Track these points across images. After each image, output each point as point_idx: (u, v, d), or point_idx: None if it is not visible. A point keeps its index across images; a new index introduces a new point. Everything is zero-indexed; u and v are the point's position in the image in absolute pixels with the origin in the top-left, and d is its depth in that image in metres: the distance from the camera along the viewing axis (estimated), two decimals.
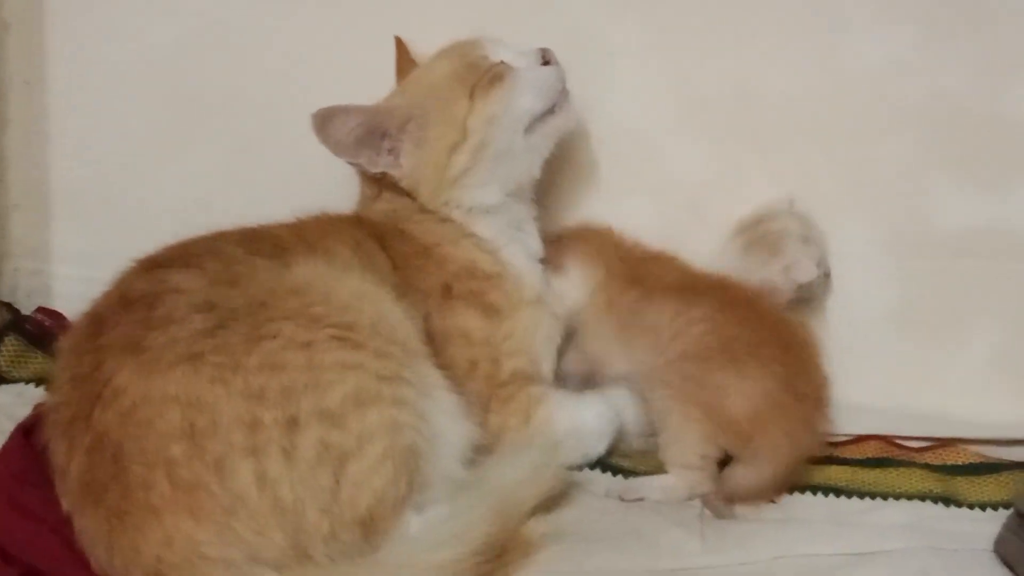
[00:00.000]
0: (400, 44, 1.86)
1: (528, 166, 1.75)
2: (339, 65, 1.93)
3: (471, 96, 1.70)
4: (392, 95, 1.79)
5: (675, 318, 1.69)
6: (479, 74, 1.71)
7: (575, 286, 1.79)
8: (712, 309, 1.69)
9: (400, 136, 1.71)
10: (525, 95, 1.71)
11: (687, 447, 1.65)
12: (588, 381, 1.78)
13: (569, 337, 1.81)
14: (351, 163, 1.73)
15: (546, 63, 1.74)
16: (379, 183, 1.75)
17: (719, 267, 1.80)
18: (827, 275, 1.84)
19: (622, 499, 1.66)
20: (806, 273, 1.78)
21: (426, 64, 1.80)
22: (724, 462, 1.66)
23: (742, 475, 1.63)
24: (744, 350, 1.65)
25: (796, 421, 1.63)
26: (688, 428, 1.64)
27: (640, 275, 1.77)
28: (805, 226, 1.82)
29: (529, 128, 1.72)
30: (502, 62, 1.72)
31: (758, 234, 1.82)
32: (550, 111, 1.73)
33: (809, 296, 1.83)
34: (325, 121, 1.67)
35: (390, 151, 1.72)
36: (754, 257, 1.80)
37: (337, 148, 1.69)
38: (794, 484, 1.68)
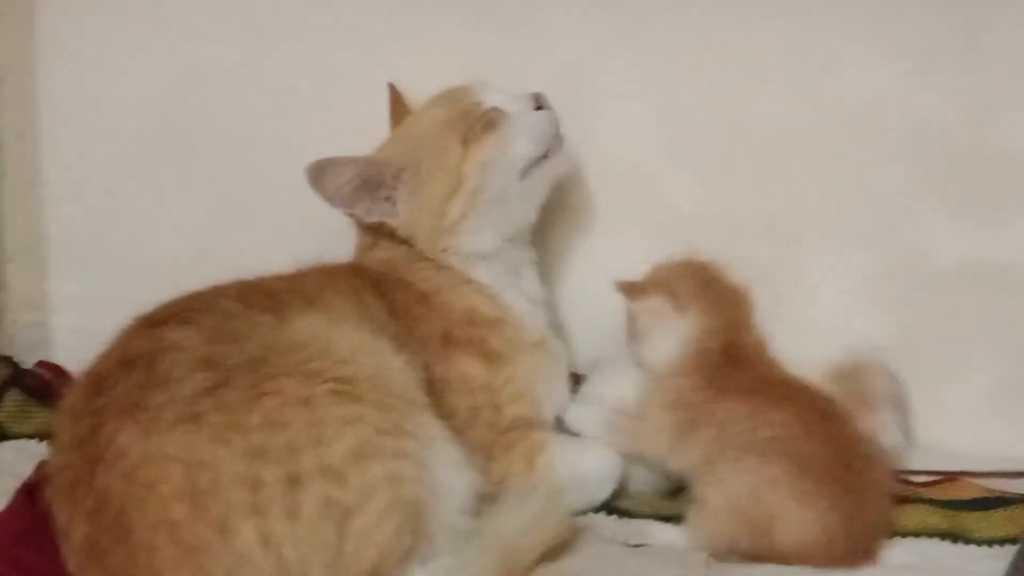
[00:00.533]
0: (394, 91, 1.86)
1: (524, 211, 1.76)
2: (332, 109, 1.94)
3: (464, 143, 1.70)
4: (386, 144, 1.79)
5: (751, 414, 1.61)
6: (472, 120, 1.71)
7: (689, 330, 1.69)
8: (794, 416, 1.60)
9: (395, 184, 1.71)
10: (519, 140, 1.71)
11: (712, 538, 1.59)
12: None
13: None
14: (348, 214, 1.73)
15: (539, 108, 1.74)
16: (376, 232, 1.75)
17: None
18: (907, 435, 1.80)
19: (627, 543, 1.64)
20: (892, 439, 1.72)
21: (419, 112, 1.80)
22: None
23: None
24: (816, 474, 1.55)
25: (846, 552, 1.56)
26: (724, 530, 1.57)
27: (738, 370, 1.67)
28: (896, 388, 1.78)
29: (524, 173, 1.73)
30: (495, 108, 1.73)
31: (857, 388, 1.74)
32: (544, 156, 1.74)
33: None
34: (319, 174, 1.67)
35: (386, 199, 1.72)
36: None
37: (333, 200, 1.69)
38: None
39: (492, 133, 1.70)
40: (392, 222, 1.72)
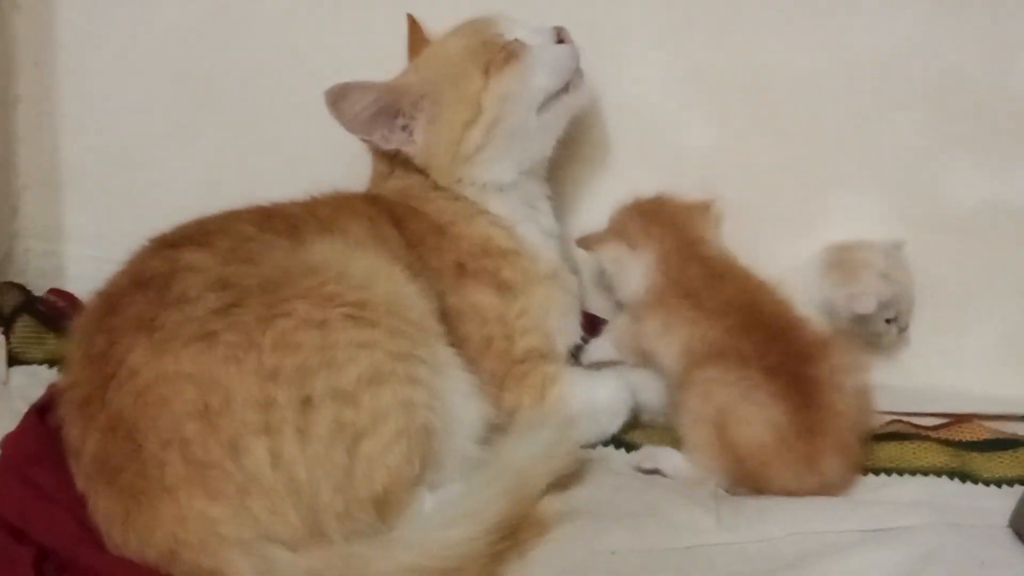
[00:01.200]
0: (412, 22, 1.85)
1: (541, 144, 1.75)
2: (349, 45, 1.93)
3: (485, 73, 1.69)
4: (406, 72, 1.78)
5: (724, 334, 1.63)
6: (494, 51, 1.70)
7: (645, 266, 1.74)
8: (737, 323, 1.64)
9: (414, 113, 1.71)
10: (539, 73, 1.71)
11: (697, 455, 1.63)
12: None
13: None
14: (364, 140, 1.73)
15: (560, 42, 1.73)
16: (392, 160, 1.75)
17: (796, 280, 1.76)
18: (902, 330, 1.83)
19: (639, 468, 1.66)
20: (864, 306, 1.75)
21: (440, 41, 1.79)
22: None
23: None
24: (759, 372, 1.59)
25: (804, 459, 1.57)
26: (698, 443, 1.62)
27: (706, 282, 1.70)
28: (892, 267, 1.79)
29: (543, 106, 1.72)
30: (517, 40, 1.72)
31: (840, 257, 1.80)
32: (564, 90, 1.73)
33: (870, 338, 1.82)
34: (338, 98, 1.66)
35: (403, 128, 1.72)
36: (829, 277, 1.79)
37: (351, 125, 1.68)
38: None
39: (513, 65, 1.70)
40: (409, 150, 1.72)
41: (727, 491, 1.60)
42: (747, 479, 1.59)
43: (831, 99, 1.88)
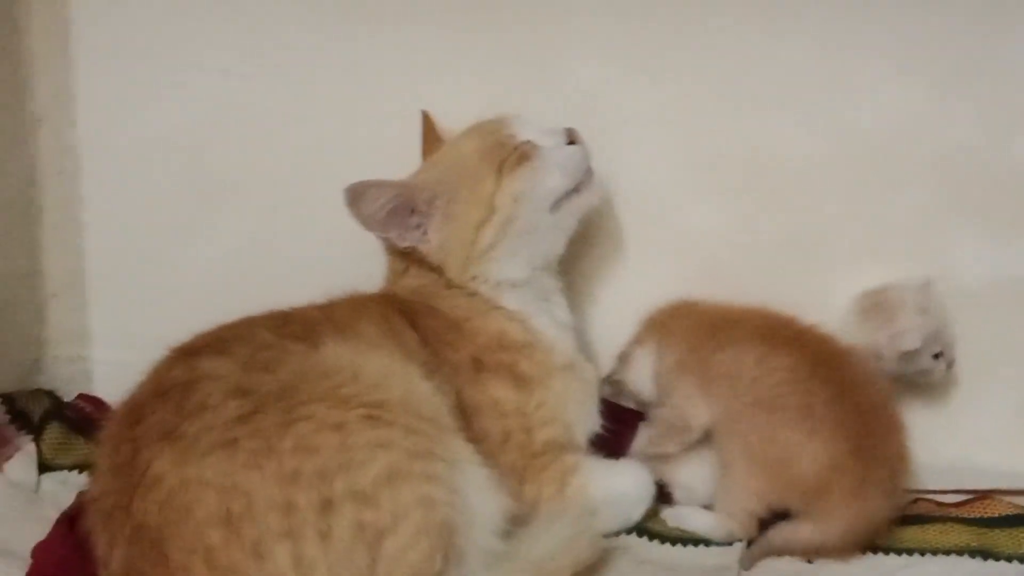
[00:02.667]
0: (427, 118, 1.89)
1: (553, 242, 1.78)
2: (360, 141, 1.97)
3: (499, 174, 1.72)
4: (421, 171, 1.82)
5: (757, 364, 1.69)
6: (506, 152, 1.74)
7: (647, 354, 1.81)
8: (796, 360, 1.69)
9: (429, 212, 1.74)
10: (552, 174, 1.74)
11: (736, 499, 1.67)
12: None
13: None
14: (381, 237, 1.76)
15: (571, 142, 1.77)
16: (407, 259, 1.78)
17: (839, 328, 1.80)
18: (949, 365, 1.83)
19: (667, 523, 1.71)
20: (910, 342, 1.77)
21: (453, 141, 1.83)
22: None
23: (808, 532, 1.64)
24: (821, 409, 1.64)
25: (866, 486, 1.62)
26: (744, 483, 1.66)
27: (717, 329, 1.77)
28: (927, 301, 1.81)
29: (555, 206, 1.75)
30: (529, 141, 1.75)
31: (876, 301, 1.82)
32: (575, 189, 1.76)
33: (920, 377, 1.83)
34: (357, 196, 1.70)
35: (417, 226, 1.74)
36: (869, 324, 1.81)
37: (368, 223, 1.71)
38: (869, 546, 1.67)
39: (525, 165, 1.73)
40: (423, 248, 1.75)
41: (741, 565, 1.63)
42: (802, 515, 1.64)
43: (837, 177, 1.90)
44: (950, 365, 1.83)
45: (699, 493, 1.75)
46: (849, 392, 1.66)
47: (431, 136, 1.89)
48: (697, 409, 1.72)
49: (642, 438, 1.80)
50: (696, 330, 1.78)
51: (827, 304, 1.88)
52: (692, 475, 1.76)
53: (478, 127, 1.81)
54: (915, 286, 1.82)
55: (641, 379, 1.82)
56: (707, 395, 1.72)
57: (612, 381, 1.87)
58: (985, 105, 1.83)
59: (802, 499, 1.63)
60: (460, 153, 1.78)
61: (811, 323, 1.77)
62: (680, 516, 1.72)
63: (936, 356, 1.81)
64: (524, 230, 1.73)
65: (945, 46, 1.82)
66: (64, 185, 2.06)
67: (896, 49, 1.84)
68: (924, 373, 1.83)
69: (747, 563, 1.64)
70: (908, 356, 1.79)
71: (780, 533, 1.66)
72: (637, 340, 1.85)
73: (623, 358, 1.86)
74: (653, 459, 1.76)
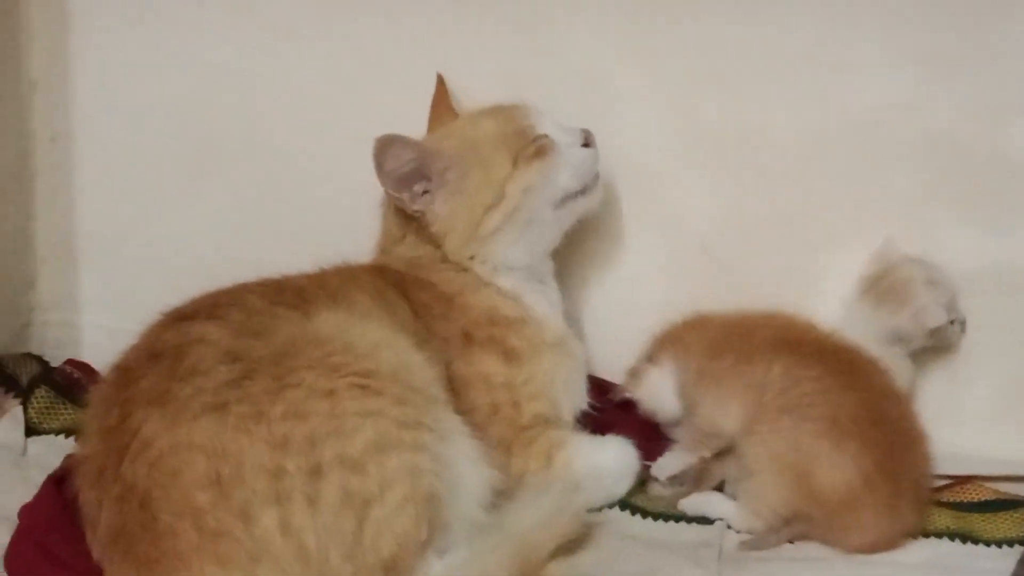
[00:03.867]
0: (441, 83, 1.90)
1: (552, 236, 1.81)
2: (349, 112, 1.97)
3: (514, 162, 1.74)
4: (432, 138, 1.82)
5: (784, 374, 1.69)
6: (525, 143, 1.75)
7: (665, 370, 1.81)
8: (824, 371, 1.69)
9: (440, 182, 1.74)
10: (564, 173, 1.76)
11: (765, 503, 1.66)
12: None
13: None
14: (394, 196, 1.75)
15: (586, 145, 1.78)
16: (407, 226, 1.78)
17: (850, 328, 1.80)
18: (963, 323, 1.84)
19: (686, 512, 1.71)
20: (935, 318, 1.79)
21: (471, 118, 1.84)
22: None
23: (824, 538, 1.65)
24: (848, 422, 1.64)
25: (887, 504, 1.62)
26: (772, 490, 1.66)
27: (737, 338, 1.78)
28: (930, 271, 1.82)
29: (560, 204, 1.78)
30: (547, 136, 1.76)
31: (885, 286, 1.83)
32: (581, 191, 1.79)
33: (943, 343, 1.85)
34: (385, 147, 1.70)
35: (424, 192, 1.74)
36: (884, 310, 1.82)
37: (387, 178, 1.72)
38: None
39: (541, 160, 1.75)
40: (430, 216, 1.75)
41: (791, 540, 1.65)
42: (825, 526, 1.64)
43: (826, 158, 1.91)
44: (963, 326, 1.85)
45: None
46: (876, 404, 1.67)
47: (443, 102, 1.90)
48: (727, 416, 1.72)
49: (671, 461, 1.78)
50: (714, 341, 1.79)
51: (813, 281, 1.92)
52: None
53: (499, 110, 1.82)
54: (912, 260, 1.83)
55: (660, 397, 1.82)
56: (733, 402, 1.72)
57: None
58: (973, 91, 1.84)
59: (824, 510, 1.63)
60: (479, 132, 1.79)
61: (831, 330, 1.79)
62: (700, 504, 1.72)
63: (952, 322, 1.82)
64: (527, 221, 1.75)
65: (936, 30, 1.83)
66: (57, 151, 2.06)
67: (887, 32, 1.85)
68: (945, 340, 1.84)
69: (758, 546, 1.65)
70: (935, 331, 1.80)
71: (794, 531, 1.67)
72: (650, 358, 1.85)
73: (634, 375, 1.86)
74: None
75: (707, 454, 1.73)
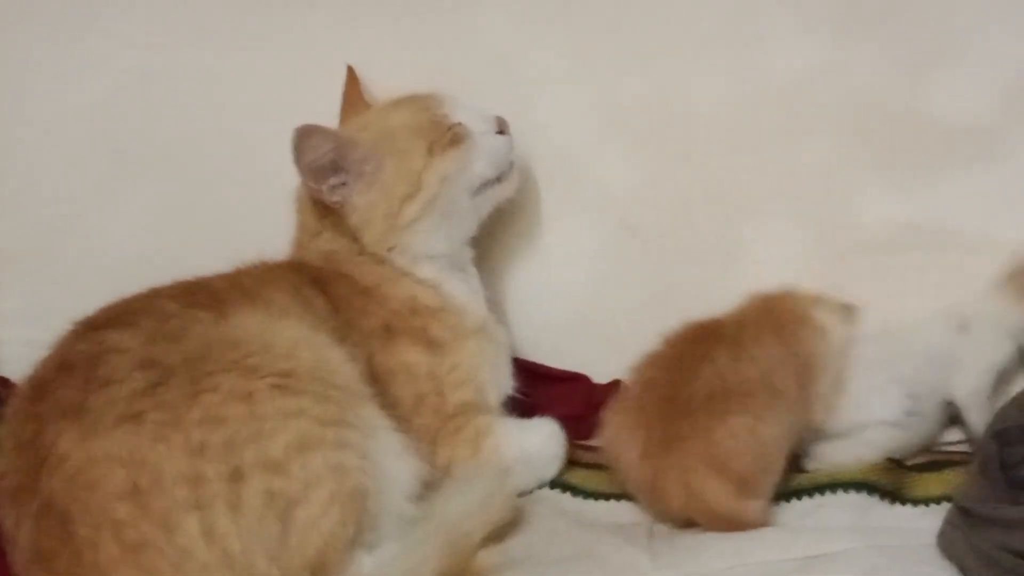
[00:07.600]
0: (352, 74, 1.89)
1: (469, 224, 1.81)
2: (274, 111, 1.91)
3: (429, 152, 1.73)
4: (350, 129, 1.80)
5: None
6: (439, 132, 1.74)
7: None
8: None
9: (357, 173, 1.73)
10: (480, 161, 1.76)
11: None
12: None
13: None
14: (312, 187, 1.73)
15: (500, 132, 1.78)
16: (324, 220, 1.77)
17: (981, 319, 1.78)
18: None
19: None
20: None
21: (385, 109, 1.82)
22: None
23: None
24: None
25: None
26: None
27: None
28: None
29: (476, 191, 1.77)
30: (461, 124, 1.75)
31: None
32: (497, 179, 1.78)
33: None
34: (304, 138, 1.68)
35: (342, 184, 1.73)
36: None
37: (306, 169, 1.70)
38: None
39: (456, 148, 1.74)
40: (347, 208, 1.73)
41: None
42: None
43: (747, 127, 1.91)
44: None
45: None
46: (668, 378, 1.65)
47: (354, 94, 1.88)
48: None
49: None
50: None
51: (740, 252, 1.92)
52: None
53: (412, 100, 1.80)
54: None
55: None
56: None
57: None
58: (888, 51, 1.85)
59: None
60: (392, 123, 1.78)
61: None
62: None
63: None
64: (445, 210, 1.75)
65: None
66: None
67: None
68: None
69: None
70: None
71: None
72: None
73: None
74: None
75: None
